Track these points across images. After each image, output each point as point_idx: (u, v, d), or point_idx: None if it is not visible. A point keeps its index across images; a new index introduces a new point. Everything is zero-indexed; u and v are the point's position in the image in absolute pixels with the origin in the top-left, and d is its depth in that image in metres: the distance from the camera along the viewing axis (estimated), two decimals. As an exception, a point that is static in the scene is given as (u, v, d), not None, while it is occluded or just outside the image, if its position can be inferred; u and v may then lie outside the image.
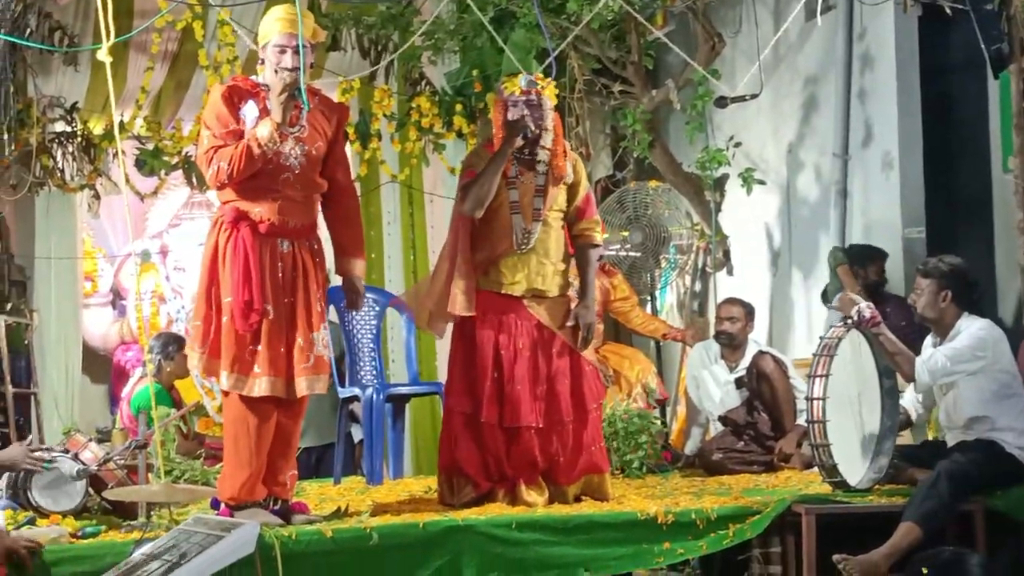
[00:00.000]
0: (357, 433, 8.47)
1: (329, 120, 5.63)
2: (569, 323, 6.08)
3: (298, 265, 5.47)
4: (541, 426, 5.98)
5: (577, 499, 6.04)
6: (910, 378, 5.96)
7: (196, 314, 5.45)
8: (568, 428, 6.04)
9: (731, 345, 7.82)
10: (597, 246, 6.34)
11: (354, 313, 7.35)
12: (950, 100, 8.15)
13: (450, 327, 6.22)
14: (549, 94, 6.13)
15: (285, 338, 5.41)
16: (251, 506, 5.38)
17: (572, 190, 6.21)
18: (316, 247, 5.59)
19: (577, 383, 6.09)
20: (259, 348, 5.36)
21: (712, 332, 8.23)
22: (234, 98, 5.41)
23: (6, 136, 8.34)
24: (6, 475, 5.66)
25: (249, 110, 5.38)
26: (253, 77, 5.62)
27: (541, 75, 6.19)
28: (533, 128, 6.03)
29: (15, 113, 8.67)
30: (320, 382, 5.51)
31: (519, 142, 6.02)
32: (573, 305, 6.14)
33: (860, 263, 7.69)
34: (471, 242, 6.09)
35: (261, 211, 5.38)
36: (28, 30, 8.15)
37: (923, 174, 8.07)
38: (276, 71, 5.36)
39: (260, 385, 5.33)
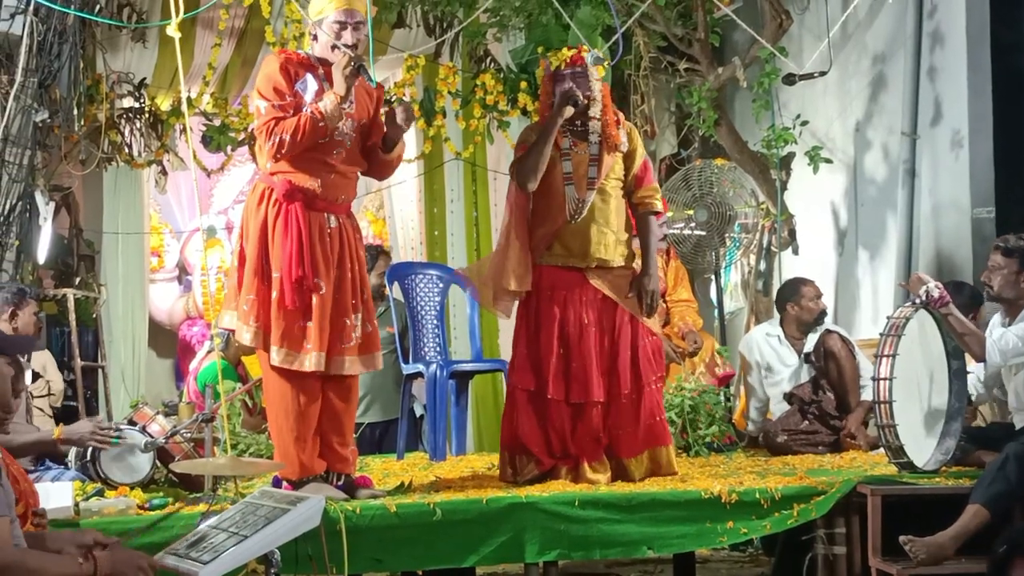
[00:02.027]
0: (419, 409, 8.50)
1: (371, 95, 5.65)
2: (632, 293, 6.07)
3: (344, 241, 5.48)
4: (603, 400, 5.99)
5: (643, 480, 6.01)
6: (980, 358, 5.90)
7: (247, 288, 5.39)
8: (628, 401, 6.03)
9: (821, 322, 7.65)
10: (658, 213, 6.33)
11: (418, 290, 7.38)
12: (1022, 78, 8.03)
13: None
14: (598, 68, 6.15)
15: (335, 314, 5.42)
16: (312, 480, 5.41)
17: (629, 159, 6.20)
18: (355, 224, 5.61)
19: (636, 356, 6.07)
20: (309, 324, 5.35)
21: (782, 313, 8.08)
22: (290, 69, 5.41)
23: (75, 112, 8.39)
24: (75, 447, 5.75)
25: (309, 83, 5.38)
26: (299, 51, 5.63)
27: (586, 51, 6.19)
28: (581, 98, 6.02)
29: (84, 89, 8.72)
30: (375, 359, 5.52)
31: (568, 112, 6.01)
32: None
33: None
34: (531, 218, 6.10)
35: (314, 185, 5.38)
36: (97, 6, 8.19)
37: (993, 153, 7.96)
38: (336, 47, 5.36)
39: (310, 360, 5.33)
